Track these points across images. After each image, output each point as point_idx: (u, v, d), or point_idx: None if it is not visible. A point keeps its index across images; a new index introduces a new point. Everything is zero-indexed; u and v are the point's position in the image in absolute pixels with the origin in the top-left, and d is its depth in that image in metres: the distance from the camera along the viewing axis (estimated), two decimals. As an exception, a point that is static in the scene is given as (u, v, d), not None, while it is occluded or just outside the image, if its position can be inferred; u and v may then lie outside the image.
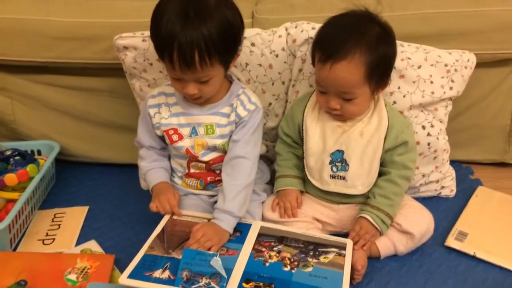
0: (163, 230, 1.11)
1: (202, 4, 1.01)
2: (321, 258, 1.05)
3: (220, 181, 1.18)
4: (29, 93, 1.44)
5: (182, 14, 0.99)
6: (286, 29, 1.26)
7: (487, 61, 1.35)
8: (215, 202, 1.18)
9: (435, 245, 1.18)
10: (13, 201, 1.25)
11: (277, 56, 1.26)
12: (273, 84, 1.28)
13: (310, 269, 1.02)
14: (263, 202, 1.23)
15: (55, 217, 1.32)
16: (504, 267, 1.12)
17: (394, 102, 1.24)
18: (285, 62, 1.26)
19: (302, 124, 1.19)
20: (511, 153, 1.49)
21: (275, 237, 1.11)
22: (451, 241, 1.18)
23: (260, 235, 1.12)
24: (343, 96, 1.10)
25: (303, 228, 1.16)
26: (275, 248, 1.08)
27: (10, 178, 1.27)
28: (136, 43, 1.23)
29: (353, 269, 1.06)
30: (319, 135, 1.17)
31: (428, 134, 1.27)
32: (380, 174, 1.17)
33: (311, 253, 1.06)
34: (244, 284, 0.97)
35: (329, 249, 1.08)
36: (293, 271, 1.01)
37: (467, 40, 1.31)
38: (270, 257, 1.05)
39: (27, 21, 1.32)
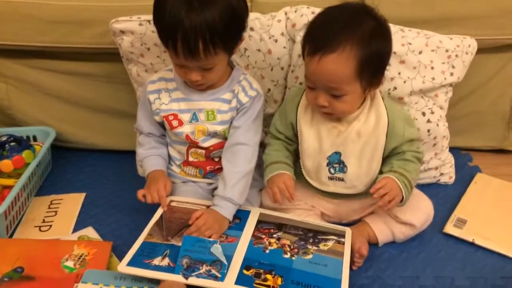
0: (161, 217, 1.11)
1: None
2: (321, 246, 1.05)
3: (220, 169, 1.17)
4: (24, 78, 1.41)
5: (186, 1, 0.97)
6: (286, 14, 1.24)
7: (488, 47, 1.34)
8: (214, 189, 1.17)
9: (434, 232, 1.18)
10: (9, 187, 1.24)
11: (276, 41, 1.24)
12: (272, 69, 1.27)
13: (310, 256, 1.02)
14: (261, 190, 1.22)
15: (51, 203, 1.31)
16: (503, 253, 1.12)
17: (395, 88, 1.23)
18: (284, 47, 1.25)
19: (296, 124, 1.14)
20: (511, 140, 1.48)
21: (274, 224, 1.11)
22: (450, 228, 1.18)
23: (259, 222, 1.11)
24: (332, 92, 1.03)
25: (302, 215, 1.15)
26: (274, 235, 1.07)
27: (6, 165, 1.26)
28: (133, 27, 1.21)
29: (353, 254, 1.05)
30: (314, 136, 1.12)
31: (428, 121, 1.26)
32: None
33: (310, 241, 1.06)
34: (244, 271, 0.97)
35: (328, 237, 1.07)
36: (293, 258, 1.01)
37: (468, 25, 1.29)
38: (269, 244, 1.05)
39: (21, 5, 1.29)
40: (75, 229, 1.22)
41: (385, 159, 1.13)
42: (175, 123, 1.15)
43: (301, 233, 1.08)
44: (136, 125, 1.23)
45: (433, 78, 1.23)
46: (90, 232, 1.21)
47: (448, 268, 1.09)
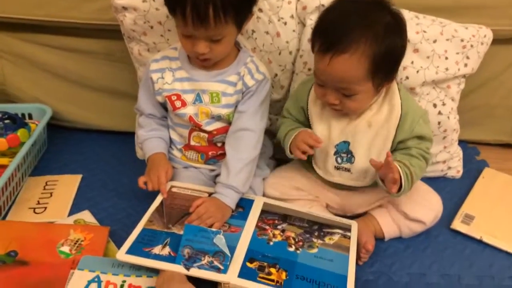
0: (161, 203, 1.07)
1: None
2: (326, 239, 1.02)
3: (222, 155, 1.13)
4: (20, 52, 1.36)
5: None
6: (296, -5, 1.19)
7: (502, 38, 1.29)
8: (216, 175, 1.14)
9: (441, 227, 1.15)
10: (3, 167, 1.19)
11: (285, 23, 1.18)
12: (280, 53, 1.22)
13: (315, 250, 0.99)
14: (264, 179, 1.18)
15: (46, 184, 1.27)
16: (511, 252, 1.09)
17: (407, 77, 1.18)
18: (293, 31, 1.19)
19: (307, 109, 1.11)
20: (520, 134, 1.45)
21: (279, 215, 1.07)
22: (458, 224, 1.15)
23: (263, 211, 1.08)
24: (343, 92, 0.99)
25: (306, 205, 1.12)
26: (279, 227, 1.04)
27: (0, 143, 1.21)
28: (136, 4, 1.15)
29: (359, 248, 1.02)
30: (324, 123, 1.08)
31: (439, 113, 1.22)
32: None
33: (315, 234, 1.03)
34: (248, 264, 0.94)
35: (334, 230, 1.04)
36: (298, 251, 0.98)
37: (484, 14, 1.24)
38: (274, 235, 1.01)
39: (18, -24, 1.23)
40: (71, 212, 1.18)
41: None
42: (178, 103, 1.11)
43: (306, 225, 1.05)
44: (137, 106, 1.18)
45: (447, 69, 1.19)
46: (86, 216, 1.17)
47: (455, 266, 1.06)
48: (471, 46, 1.19)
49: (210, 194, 1.08)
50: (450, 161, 1.31)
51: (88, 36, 1.32)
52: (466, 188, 1.28)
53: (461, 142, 1.39)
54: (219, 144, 1.15)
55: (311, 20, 1.17)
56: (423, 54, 1.17)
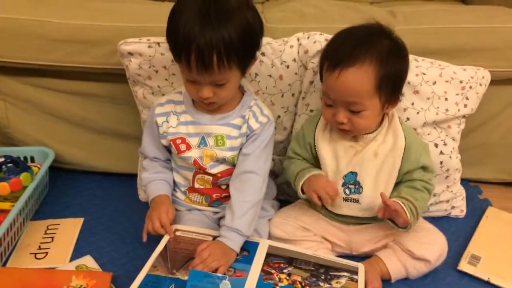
0: (165, 247, 1.05)
1: (222, 4, 0.97)
2: (333, 283, 1.00)
3: (227, 198, 1.13)
4: (24, 96, 1.37)
5: (202, 15, 0.95)
6: (298, 39, 1.21)
7: (500, 79, 1.31)
8: (220, 218, 1.13)
9: (447, 268, 1.14)
10: (5, 211, 1.18)
11: (288, 67, 1.21)
12: (282, 96, 1.23)
13: None
14: (269, 220, 1.17)
15: (48, 228, 1.25)
16: (519, 294, 1.08)
17: (408, 119, 1.20)
18: (296, 74, 1.22)
19: (315, 144, 1.14)
20: (521, 173, 1.46)
21: (284, 258, 1.06)
22: (464, 265, 1.14)
23: (268, 255, 1.06)
24: (351, 108, 1.04)
25: (312, 247, 1.11)
26: (284, 270, 1.02)
27: (3, 187, 1.20)
28: (141, 49, 1.17)
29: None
30: (332, 156, 1.12)
31: (441, 153, 1.23)
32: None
33: (322, 277, 1.01)
34: None
35: (341, 273, 1.03)
36: None
37: (481, 56, 1.27)
38: (280, 280, 1.00)
39: (24, 22, 1.25)
40: (73, 257, 1.16)
41: (395, 184, 1.11)
42: (182, 147, 1.11)
43: (313, 268, 1.04)
44: (141, 149, 1.18)
45: (447, 110, 1.21)
46: (88, 261, 1.15)
47: (464, 309, 1.05)
48: (470, 87, 1.21)
49: (214, 238, 1.07)
50: (454, 201, 1.31)
51: (92, 79, 1.34)
52: (470, 227, 1.28)
53: (463, 181, 1.39)
54: (223, 187, 1.15)
55: (313, 63, 1.19)
56: (423, 96, 1.19)
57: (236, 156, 1.11)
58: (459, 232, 1.26)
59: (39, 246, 1.19)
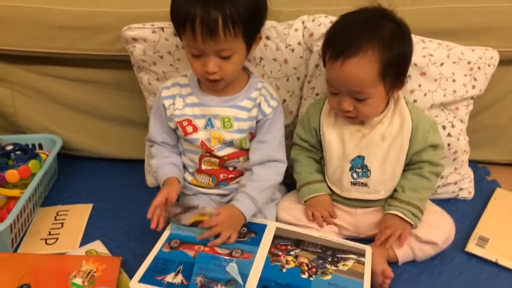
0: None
1: None
2: (340, 266, 1.00)
3: (233, 178, 1.15)
4: (30, 84, 1.37)
5: None
6: (303, 22, 1.20)
7: (509, 59, 1.29)
8: (228, 202, 1.14)
9: (455, 250, 1.14)
10: (15, 198, 1.20)
11: (292, 50, 1.20)
12: (288, 80, 1.23)
13: (329, 277, 0.98)
14: (277, 204, 1.18)
15: (57, 215, 1.27)
16: (527, 275, 1.08)
17: (415, 101, 1.19)
18: (301, 57, 1.21)
19: (319, 129, 1.14)
20: (530, 154, 1.44)
21: (292, 240, 1.07)
22: (472, 247, 1.14)
23: (276, 237, 1.07)
24: (356, 96, 1.03)
25: (319, 231, 1.11)
26: (292, 252, 1.03)
27: (12, 175, 1.21)
28: (146, 35, 1.17)
29: (374, 276, 1.01)
30: (338, 140, 1.11)
31: (449, 135, 1.22)
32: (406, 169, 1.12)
33: (329, 260, 1.02)
34: None
35: (348, 256, 1.03)
36: (311, 279, 0.97)
37: (490, 36, 1.25)
38: (287, 262, 1.00)
39: (29, 10, 1.25)
40: (83, 243, 1.18)
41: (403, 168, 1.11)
42: (189, 129, 1.11)
43: (320, 251, 1.04)
44: (149, 136, 1.18)
45: (455, 91, 1.20)
46: (98, 246, 1.16)
47: (471, 290, 1.05)
48: (478, 68, 1.20)
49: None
50: (461, 183, 1.30)
51: (97, 66, 1.34)
52: (478, 209, 1.27)
53: (471, 163, 1.38)
54: (230, 168, 1.16)
55: (318, 47, 1.18)
56: (430, 77, 1.18)
57: (244, 139, 1.11)
58: (467, 213, 1.26)
59: (49, 232, 1.21)
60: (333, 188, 1.14)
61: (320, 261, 1.01)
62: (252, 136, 1.13)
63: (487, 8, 1.24)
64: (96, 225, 1.23)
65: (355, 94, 1.03)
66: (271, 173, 1.11)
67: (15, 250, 1.15)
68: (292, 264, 1.00)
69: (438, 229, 1.10)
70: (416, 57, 1.13)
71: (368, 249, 1.06)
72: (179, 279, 0.94)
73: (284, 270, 0.99)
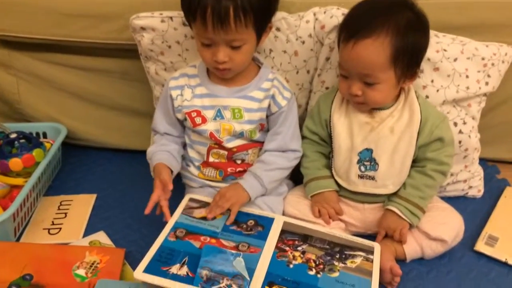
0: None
1: None
2: (348, 263, 0.99)
3: (241, 172, 1.13)
4: (35, 72, 1.36)
5: None
6: (314, 14, 1.17)
7: (522, 56, 1.27)
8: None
9: (464, 249, 1.12)
10: (18, 187, 1.19)
11: (303, 42, 1.18)
12: (297, 72, 1.21)
13: (336, 274, 0.96)
14: (284, 198, 1.16)
15: (61, 204, 1.25)
16: (538, 276, 1.06)
17: (427, 97, 1.16)
18: (311, 50, 1.18)
19: (330, 120, 1.12)
20: (541, 153, 1.42)
21: (299, 235, 1.05)
22: (481, 246, 1.12)
23: (283, 231, 1.05)
24: (365, 80, 1.02)
25: (326, 226, 1.10)
26: (299, 248, 1.01)
27: (15, 163, 1.20)
28: (154, 24, 1.15)
29: (382, 273, 1.00)
30: (347, 132, 1.10)
31: (460, 132, 1.20)
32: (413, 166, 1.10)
33: (337, 256, 1.00)
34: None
35: (356, 253, 1.02)
36: (318, 275, 0.95)
37: (504, 32, 1.22)
38: (294, 257, 0.99)
39: (35, -5, 1.23)
40: (86, 233, 1.16)
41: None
42: (198, 120, 1.10)
43: (327, 247, 1.02)
44: (153, 125, 1.17)
45: (468, 88, 1.17)
46: (101, 237, 1.15)
47: (480, 290, 1.03)
48: (492, 64, 1.18)
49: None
50: (471, 181, 1.28)
51: (103, 55, 1.32)
52: (487, 207, 1.26)
53: (481, 161, 1.36)
54: (238, 161, 1.14)
55: (329, 39, 1.16)
56: (443, 73, 1.16)
57: (254, 130, 1.10)
58: (476, 212, 1.24)
59: (53, 222, 1.19)
60: (340, 181, 1.13)
61: (328, 258, 1.00)
62: (262, 127, 1.12)
63: (502, 3, 1.22)
64: (100, 216, 1.22)
65: (364, 78, 1.02)
66: (282, 159, 1.11)
67: (18, 240, 1.13)
68: (299, 260, 0.98)
69: (447, 226, 1.08)
70: (429, 52, 1.10)
71: (377, 246, 1.04)
72: (184, 270, 0.93)
73: (291, 266, 0.97)
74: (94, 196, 1.29)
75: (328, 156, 1.16)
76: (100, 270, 1.02)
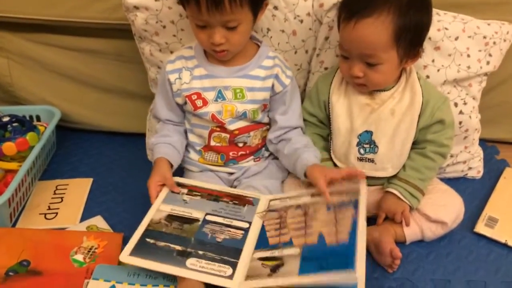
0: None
1: None
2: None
3: (243, 156, 1.12)
4: (27, 53, 1.32)
5: None
6: (313, -8, 1.15)
7: (523, 34, 1.25)
8: (235, 179, 1.11)
9: (463, 230, 1.12)
10: (12, 171, 1.17)
11: (301, 21, 1.15)
12: (295, 52, 1.18)
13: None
14: (283, 181, 1.15)
15: (57, 189, 1.24)
16: (537, 256, 1.06)
17: (428, 76, 1.14)
18: (310, 29, 1.16)
19: (328, 102, 1.10)
20: (541, 133, 1.41)
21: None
22: (481, 227, 1.12)
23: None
24: (367, 61, 1.00)
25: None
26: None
27: (9, 147, 1.17)
28: (148, 3, 1.11)
29: (382, 256, 0.99)
30: (346, 114, 1.08)
31: (460, 112, 1.18)
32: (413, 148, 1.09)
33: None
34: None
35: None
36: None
37: (505, 10, 1.20)
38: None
39: (25, -26, 1.19)
40: (83, 218, 1.15)
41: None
42: (199, 102, 1.07)
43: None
44: (154, 112, 1.15)
45: (469, 67, 1.15)
46: (99, 221, 1.14)
47: (480, 271, 1.03)
48: (494, 43, 1.15)
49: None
50: (471, 162, 1.27)
51: (97, 36, 1.29)
52: (487, 189, 1.25)
53: (480, 141, 1.35)
54: (240, 145, 1.12)
55: (328, 18, 1.13)
56: (444, 52, 1.14)
57: (257, 110, 1.08)
58: (475, 193, 1.23)
59: (49, 207, 1.18)
60: (339, 164, 1.11)
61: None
62: (265, 107, 1.10)
63: (505, -20, 1.20)
64: (97, 200, 1.21)
65: (366, 58, 1.00)
66: (299, 137, 1.11)
67: (14, 225, 1.12)
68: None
69: (447, 207, 1.07)
70: (430, 30, 1.07)
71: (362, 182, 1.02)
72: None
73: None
74: (90, 180, 1.27)
75: (327, 138, 1.15)
76: (98, 255, 1.01)
